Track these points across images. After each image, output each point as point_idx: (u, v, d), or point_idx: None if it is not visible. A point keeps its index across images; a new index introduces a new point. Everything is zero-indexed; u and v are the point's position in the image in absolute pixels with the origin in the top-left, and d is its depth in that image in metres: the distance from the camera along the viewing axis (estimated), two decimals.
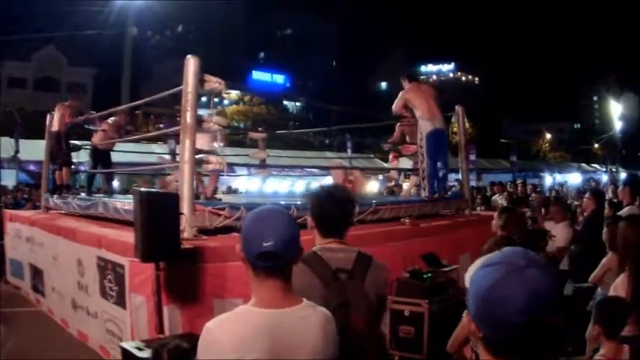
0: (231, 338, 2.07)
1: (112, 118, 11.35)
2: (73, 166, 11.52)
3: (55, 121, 10.75)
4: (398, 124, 10.62)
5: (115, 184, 12.91)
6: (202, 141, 9.43)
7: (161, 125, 42.63)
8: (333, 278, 2.95)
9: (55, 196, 10.49)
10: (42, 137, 11.62)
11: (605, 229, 6.01)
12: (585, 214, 8.88)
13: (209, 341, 2.11)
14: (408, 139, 10.71)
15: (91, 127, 11.83)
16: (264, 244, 2.15)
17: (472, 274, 1.66)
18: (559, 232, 7.90)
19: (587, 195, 9.30)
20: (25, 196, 17.96)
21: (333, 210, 3.10)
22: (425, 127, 9.08)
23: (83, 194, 10.67)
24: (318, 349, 2.23)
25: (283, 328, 2.15)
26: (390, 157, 11.40)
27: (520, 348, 1.50)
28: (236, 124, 46.52)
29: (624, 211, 7.09)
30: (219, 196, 9.51)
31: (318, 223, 3.00)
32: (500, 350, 1.53)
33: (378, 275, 3.15)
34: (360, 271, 3.03)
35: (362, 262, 3.06)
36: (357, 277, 3.01)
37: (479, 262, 1.74)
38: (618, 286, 4.54)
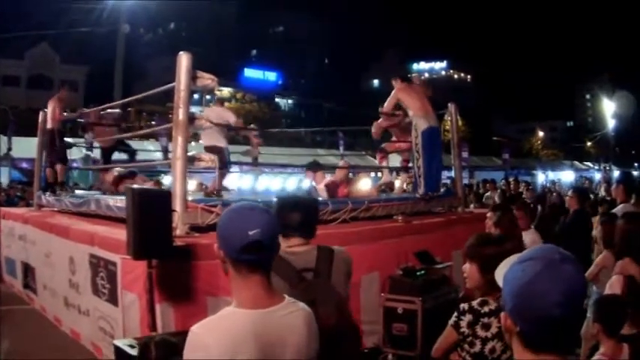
0: (218, 341, 2.03)
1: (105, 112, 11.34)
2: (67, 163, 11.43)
3: (48, 117, 10.63)
4: (380, 120, 10.42)
5: None
6: (210, 138, 9.41)
7: (153, 122, 42.53)
8: (299, 279, 3.02)
9: (48, 193, 10.43)
10: (35, 135, 11.54)
11: (599, 227, 5.99)
12: (570, 212, 8.73)
13: (195, 345, 2.07)
14: (394, 137, 10.72)
15: (87, 121, 11.75)
16: (250, 233, 2.09)
17: (505, 271, 1.69)
18: (527, 241, 6.72)
19: (569, 193, 9.19)
20: (18, 193, 17.90)
21: (296, 214, 3.21)
22: (420, 124, 9.09)
23: (77, 191, 10.61)
24: (304, 346, 2.22)
25: (270, 328, 2.12)
26: (378, 157, 11.27)
27: (555, 340, 1.58)
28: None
29: (618, 209, 7.09)
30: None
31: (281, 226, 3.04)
32: (536, 344, 1.60)
33: (344, 265, 3.28)
34: (324, 268, 3.14)
35: (324, 258, 3.18)
36: (323, 274, 3.12)
37: (511, 260, 1.76)
38: (614, 284, 4.53)
